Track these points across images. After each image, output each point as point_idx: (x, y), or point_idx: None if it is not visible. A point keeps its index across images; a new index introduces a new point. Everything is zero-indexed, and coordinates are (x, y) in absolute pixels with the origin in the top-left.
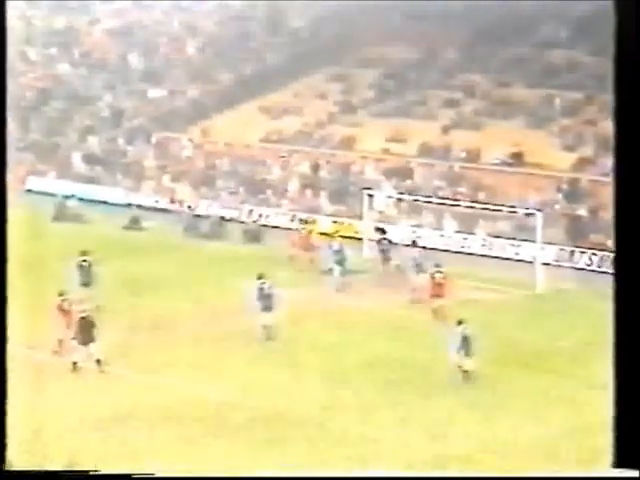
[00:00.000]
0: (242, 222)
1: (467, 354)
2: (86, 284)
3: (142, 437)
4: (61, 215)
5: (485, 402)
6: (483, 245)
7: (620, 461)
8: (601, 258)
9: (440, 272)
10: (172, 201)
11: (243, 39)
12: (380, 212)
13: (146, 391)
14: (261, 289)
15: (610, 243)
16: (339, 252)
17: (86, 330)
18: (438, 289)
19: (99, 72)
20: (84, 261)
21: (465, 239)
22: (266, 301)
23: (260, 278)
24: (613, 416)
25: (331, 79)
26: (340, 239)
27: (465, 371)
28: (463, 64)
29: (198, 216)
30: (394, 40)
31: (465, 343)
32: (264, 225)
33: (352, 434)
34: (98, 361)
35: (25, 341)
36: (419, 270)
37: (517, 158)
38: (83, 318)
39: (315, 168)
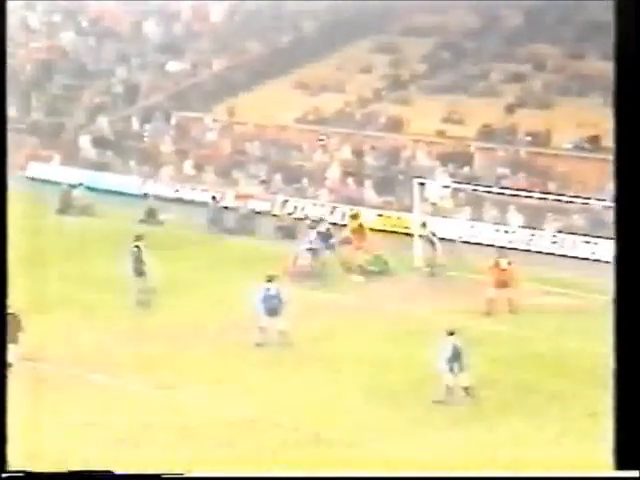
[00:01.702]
0: (275, 215)
1: (460, 369)
2: (140, 273)
3: (157, 455)
4: (67, 207)
5: (552, 422)
6: (553, 242)
7: (620, 462)
8: None
9: (504, 257)
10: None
11: (276, 4)
12: (433, 204)
13: (160, 407)
14: (267, 290)
15: None
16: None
17: (13, 329)
18: (504, 276)
19: (110, 42)
20: (136, 247)
21: (532, 236)
22: (272, 305)
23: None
24: (614, 416)
25: (377, 50)
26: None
27: (450, 388)
28: (531, 32)
29: (224, 208)
30: (450, 4)
31: (457, 356)
32: (299, 218)
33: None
34: (9, 365)
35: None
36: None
37: (593, 142)
38: (10, 314)
39: (358, 153)
